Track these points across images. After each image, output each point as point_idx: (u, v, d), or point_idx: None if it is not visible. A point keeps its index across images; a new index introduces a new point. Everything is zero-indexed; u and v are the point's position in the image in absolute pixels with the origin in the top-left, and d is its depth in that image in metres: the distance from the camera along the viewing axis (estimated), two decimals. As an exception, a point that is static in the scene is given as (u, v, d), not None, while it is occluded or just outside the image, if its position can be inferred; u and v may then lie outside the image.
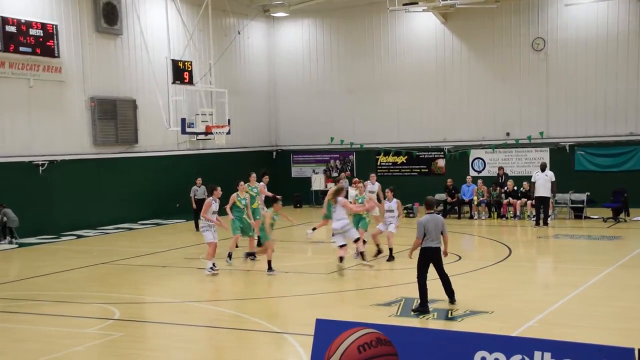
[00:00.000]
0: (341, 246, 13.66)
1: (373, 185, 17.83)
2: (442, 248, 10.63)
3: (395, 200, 15.05)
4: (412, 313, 10.28)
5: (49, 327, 10.19)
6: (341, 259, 13.51)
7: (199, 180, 20.84)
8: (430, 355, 4.79)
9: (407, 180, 26.39)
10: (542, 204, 20.01)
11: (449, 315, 10.13)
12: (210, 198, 13.98)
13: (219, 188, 14.21)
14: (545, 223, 19.84)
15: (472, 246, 18.09)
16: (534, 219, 20.24)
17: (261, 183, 16.98)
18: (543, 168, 20.39)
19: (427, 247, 10.44)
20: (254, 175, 16.61)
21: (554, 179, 20.03)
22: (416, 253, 10.67)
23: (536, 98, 25.19)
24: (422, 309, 10.35)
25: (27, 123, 20.23)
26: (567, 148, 24.70)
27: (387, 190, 15.26)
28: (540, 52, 24.99)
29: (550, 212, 20.34)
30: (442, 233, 10.51)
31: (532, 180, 20.49)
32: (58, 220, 20.78)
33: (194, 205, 19.99)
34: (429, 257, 10.48)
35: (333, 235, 13.99)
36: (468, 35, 26.07)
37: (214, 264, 13.82)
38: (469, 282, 13.02)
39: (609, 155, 24.19)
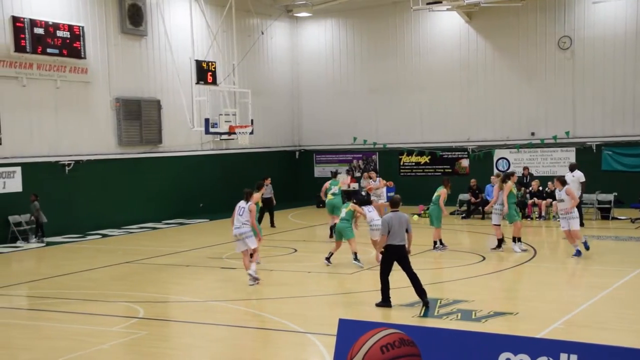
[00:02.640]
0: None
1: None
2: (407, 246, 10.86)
3: (565, 188, 14.61)
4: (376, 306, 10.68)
5: (75, 325, 10.31)
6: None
7: (268, 180, 21.02)
8: (453, 357, 4.75)
9: (430, 181, 26.23)
10: None
11: (473, 316, 10.04)
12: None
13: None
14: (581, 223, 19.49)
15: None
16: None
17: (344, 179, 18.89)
18: (572, 168, 20.03)
19: (390, 245, 10.63)
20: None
21: (583, 180, 19.55)
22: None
23: (562, 97, 24.90)
24: (384, 304, 10.65)
25: (54, 123, 20.50)
26: (594, 148, 24.37)
27: (555, 180, 15.45)
28: (566, 50, 24.70)
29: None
30: (407, 231, 10.72)
31: None
32: (83, 220, 21.02)
33: (261, 204, 20.38)
34: (393, 255, 10.66)
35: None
36: (493, 34, 25.86)
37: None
38: (493, 283, 12.92)
39: (637, 155, 23.79)
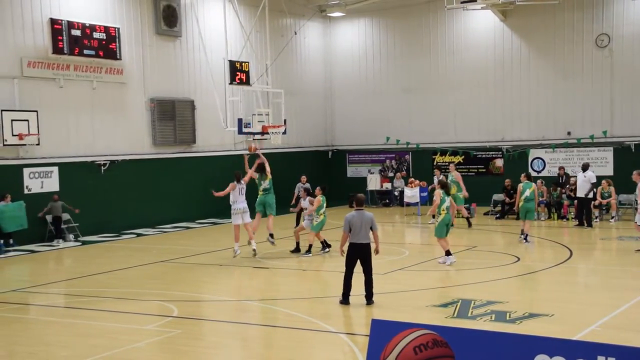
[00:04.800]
0: None
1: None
2: (374, 245, 11.00)
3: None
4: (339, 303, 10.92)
5: (111, 323, 10.45)
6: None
7: (304, 178, 21.18)
8: (487, 358, 4.68)
9: (464, 181, 25.99)
10: (580, 205, 19.58)
11: (508, 318, 9.91)
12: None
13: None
14: (589, 224, 19.40)
15: (531, 248, 17.69)
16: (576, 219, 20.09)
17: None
18: (584, 168, 19.78)
19: (354, 243, 10.82)
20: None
21: (593, 180, 19.54)
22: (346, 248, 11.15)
23: (599, 96, 24.44)
24: (344, 301, 10.89)
25: (90, 124, 20.84)
26: (633, 147, 23.87)
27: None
28: (604, 48, 24.23)
29: (597, 213, 20.40)
30: (371, 229, 10.83)
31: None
32: (118, 219, 21.31)
33: (293, 201, 20.58)
34: (356, 253, 10.81)
35: None
36: (528, 32, 25.51)
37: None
38: (528, 284, 12.74)
39: (677, 155, 23.25)
